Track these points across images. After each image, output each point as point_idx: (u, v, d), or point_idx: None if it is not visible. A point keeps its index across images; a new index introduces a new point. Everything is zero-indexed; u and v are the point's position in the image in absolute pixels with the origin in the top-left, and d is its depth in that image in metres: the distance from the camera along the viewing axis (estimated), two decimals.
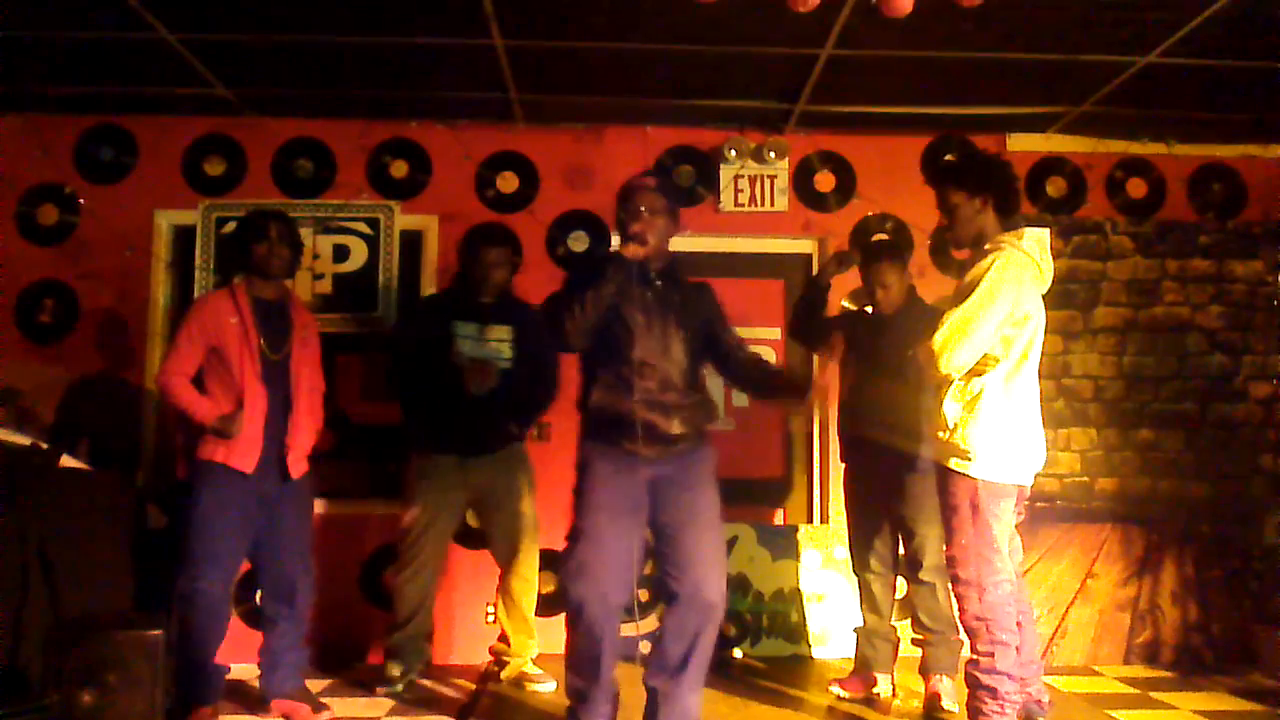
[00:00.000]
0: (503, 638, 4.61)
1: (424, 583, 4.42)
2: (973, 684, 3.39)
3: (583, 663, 3.42)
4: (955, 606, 3.54)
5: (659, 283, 3.53)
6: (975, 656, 3.40)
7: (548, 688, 4.41)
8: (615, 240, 3.73)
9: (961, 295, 3.36)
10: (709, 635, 3.40)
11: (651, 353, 3.45)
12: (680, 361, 3.49)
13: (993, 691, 3.34)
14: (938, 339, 3.32)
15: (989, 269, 3.34)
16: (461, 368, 4.33)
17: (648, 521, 3.48)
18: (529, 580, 4.53)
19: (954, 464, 3.42)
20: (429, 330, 4.43)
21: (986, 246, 3.45)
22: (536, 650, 4.58)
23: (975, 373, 3.39)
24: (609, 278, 3.37)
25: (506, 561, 4.50)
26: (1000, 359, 3.38)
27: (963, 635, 4.16)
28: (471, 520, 4.68)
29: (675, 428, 3.44)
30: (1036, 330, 3.44)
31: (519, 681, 4.49)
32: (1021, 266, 3.39)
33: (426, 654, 4.55)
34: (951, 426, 3.41)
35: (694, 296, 3.63)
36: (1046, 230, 3.53)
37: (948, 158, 3.72)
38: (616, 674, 3.49)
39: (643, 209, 3.48)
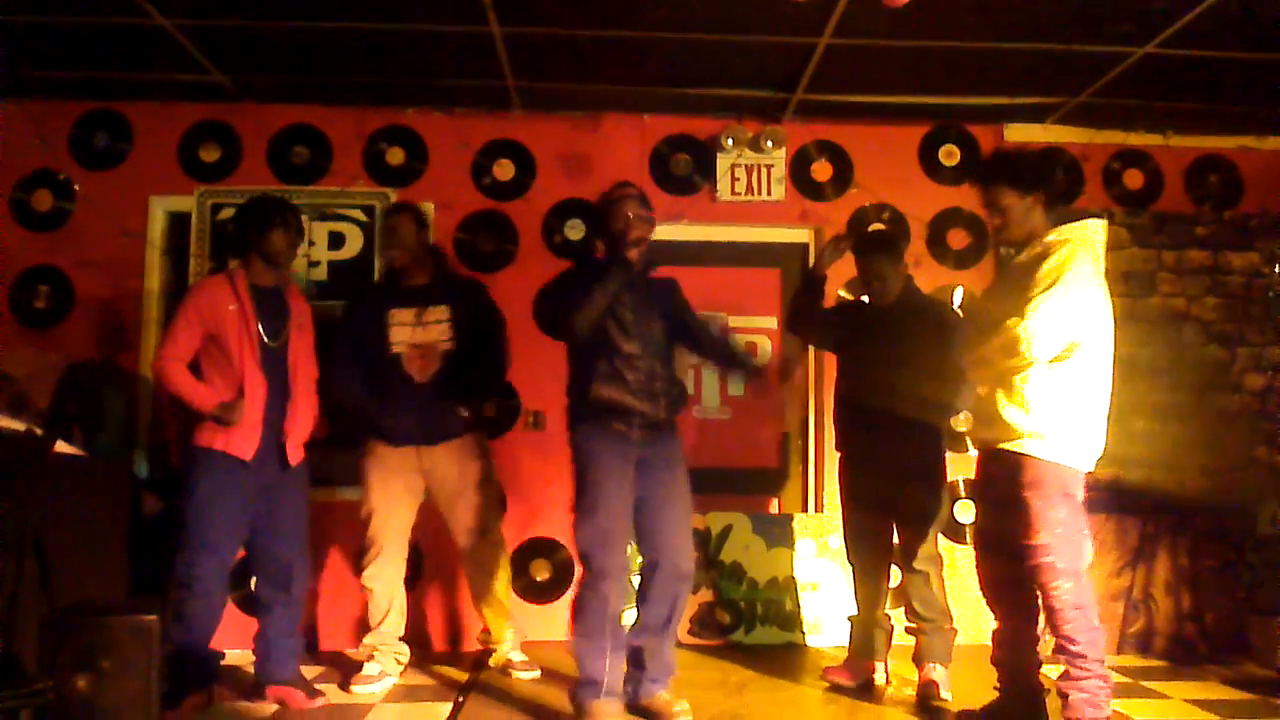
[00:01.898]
0: (485, 627, 4.59)
1: (391, 578, 4.36)
2: (1082, 674, 3.33)
3: (599, 626, 3.70)
4: (1043, 595, 3.41)
5: (641, 284, 3.89)
6: (1078, 648, 3.33)
7: (531, 675, 4.40)
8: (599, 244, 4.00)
9: (1042, 284, 3.34)
10: (684, 597, 3.89)
11: (641, 346, 3.82)
12: (662, 353, 3.90)
13: (1105, 679, 3.35)
14: (1025, 327, 3.30)
15: (1070, 259, 3.35)
16: (401, 356, 4.27)
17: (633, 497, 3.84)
18: (495, 567, 4.47)
19: (1045, 452, 3.37)
20: (366, 321, 4.32)
21: (1050, 238, 3.45)
22: (518, 635, 4.56)
23: (1059, 359, 3.37)
24: (614, 279, 3.75)
25: (468, 551, 4.43)
26: (1080, 345, 3.37)
27: (956, 624, 4.22)
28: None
29: (662, 413, 3.84)
30: (1107, 319, 3.44)
31: (504, 669, 4.48)
32: (1094, 259, 3.42)
33: (404, 654, 4.46)
34: (1041, 413, 3.37)
35: (665, 291, 4.02)
36: (1104, 221, 3.53)
37: (994, 154, 3.67)
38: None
39: (635, 215, 3.83)
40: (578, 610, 3.77)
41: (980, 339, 3.54)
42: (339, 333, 4.36)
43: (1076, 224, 3.49)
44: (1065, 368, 3.38)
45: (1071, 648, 3.35)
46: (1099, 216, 3.56)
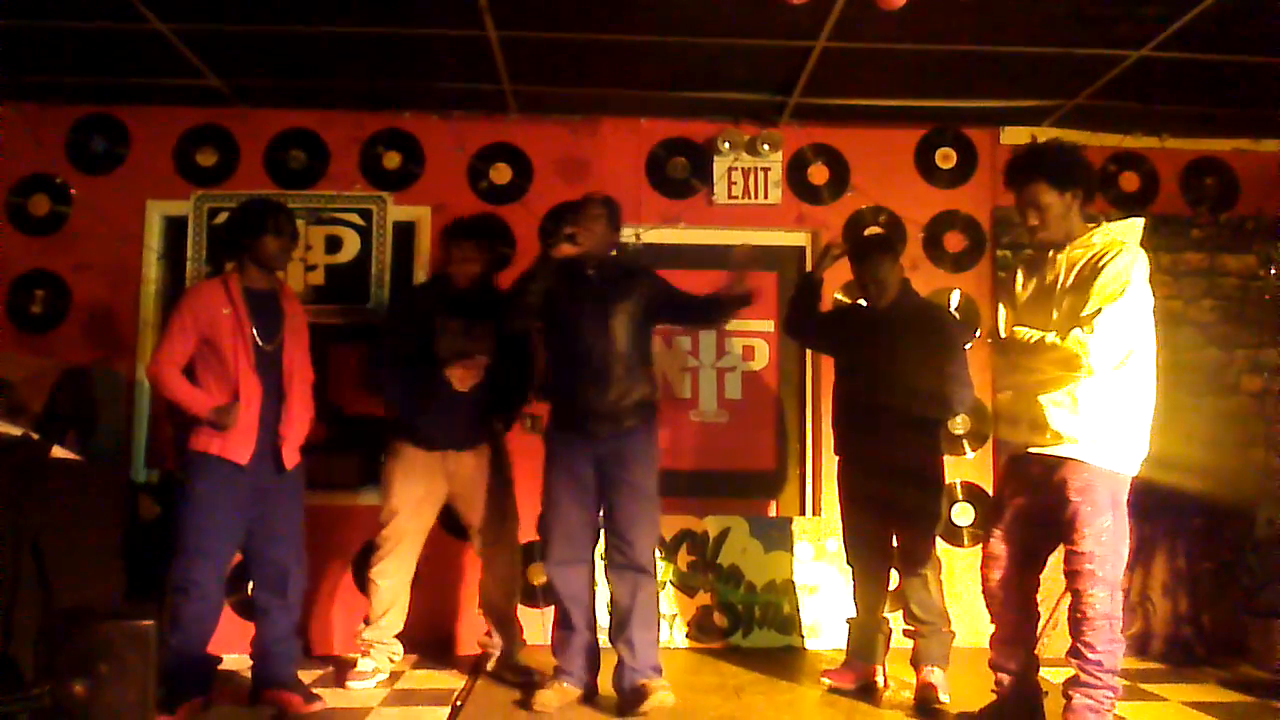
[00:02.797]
0: (489, 630, 4.62)
1: (400, 577, 4.43)
2: (1092, 683, 3.31)
3: (559, 614, 4.08)
4: (1075, 600, 3.37)
5: (595, 278, 4.04)
6: (1097, 656, 3.30)
7: (528, 678, 4.40)
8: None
9: (1105, 293, 3.26)
10: (647, 589, 4.01)
11: (588, 340, 3.97)
12: (620, 347, 3.99)
13: (1115, 690, 3.33)
14: (1088, 342, 3.23)
15: (1132, 266, 3.28)
16: (445, 363, 4.33)
17: (596, 493, 4.05)
18: (508, 574, 4.54)
19: (1098, 458, 3.32)
20: (413, 323, 4.40)
21: (1098, 239, 3.37)
22: (523, 643, 4.59)
23: (1117, 367, 3.31)
24: (538, 271, 3.94)
25: (486, 556, 4.52)
26: (1135, 352, 3.31)
27: (954, 627, 4.23)
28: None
29: (612, 406, 3.96)
30: (1152, 323, 3.39)
31: (503, 673, 4.49)
32: (1147, 263, 3.35)
33: (398, 653, 4.52)
34: (1095, 419, 3.32)
35: (634, 285, 4.10)
36: (1142, 221, 3.46)
37: (1027, 150, 3.54)
38: (594, 634, 4.11)
39: (583, 216, 4.03)
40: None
41: (1020, 349, 3.45)
42: (385, 330, 4.55)
43: (1125, 224, 3.41)
44: (1120, 374, 3.32)
45: (1089, 655, 3.33)
46: (1139, 216, 3.49)
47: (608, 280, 4.07)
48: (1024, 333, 3.46)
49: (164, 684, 3.58)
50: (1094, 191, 3.53)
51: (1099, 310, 3.25)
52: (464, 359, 4.36)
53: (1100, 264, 3.31)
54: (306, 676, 4.25)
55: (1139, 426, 3.38)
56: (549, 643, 4.19)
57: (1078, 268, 3.38)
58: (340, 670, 4.50)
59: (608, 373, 3.95)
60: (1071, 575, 3.38)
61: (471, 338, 4.38)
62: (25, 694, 2.75)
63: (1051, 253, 3.50)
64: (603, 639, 4.14)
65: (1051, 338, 3.34)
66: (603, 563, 4.09)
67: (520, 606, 4.72)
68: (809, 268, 5.49)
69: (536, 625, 4.85)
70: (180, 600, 3.81)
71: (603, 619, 4.17)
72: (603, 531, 4.08)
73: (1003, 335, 3.60)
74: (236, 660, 4.27)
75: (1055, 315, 3.40)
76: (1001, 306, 3.68)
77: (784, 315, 4.77)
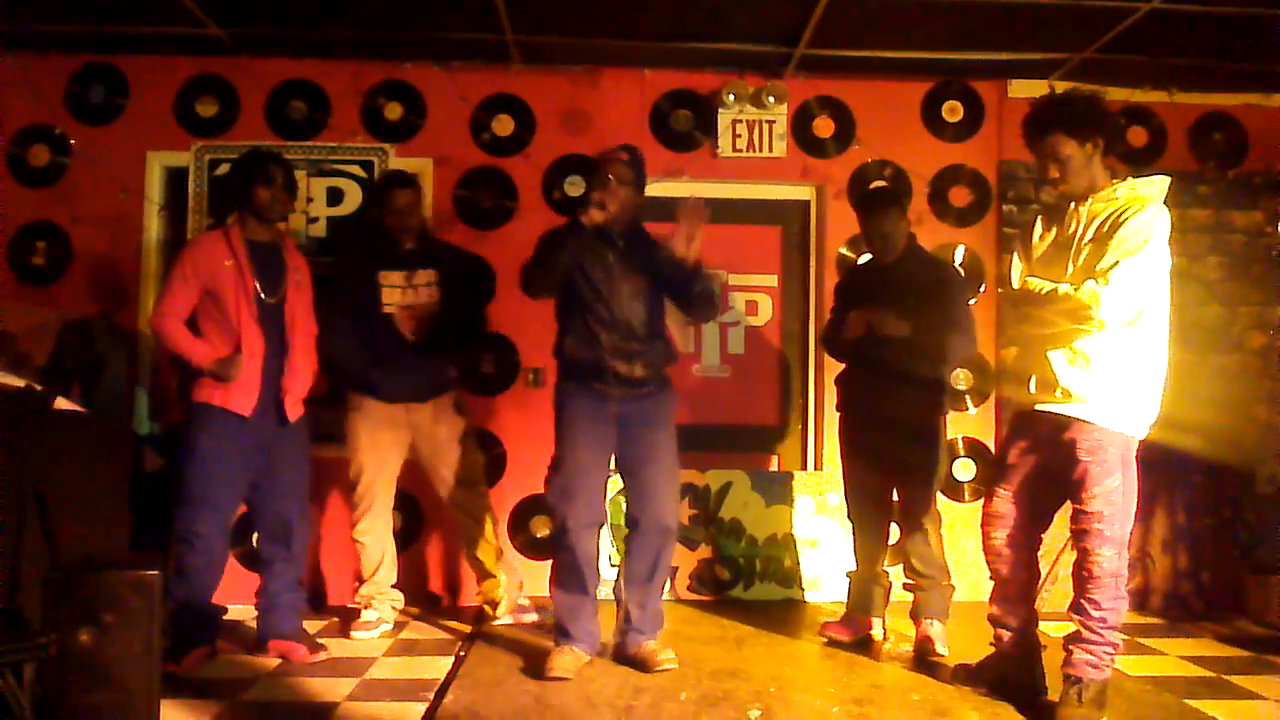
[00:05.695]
0: (480, 579, 4.68)
1: (382, 531, 4.51)
2: (1094, 639, 3.34)
3: (568, 577, 3.92)
4: (1082, 559, 3.38)
5: (621, 243, 3.92)
6: (1101, 613, 3.32)
7: (533, 618, 4.56)
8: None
9: (1123, 247, 3.22)
10: (667, 553, 3.99)
11: (614, 306, 3.90)
12: (640, 313, 3.94)
13: (1115, 646, 3.36)
14: (1100, 294, 3.19)
15: (1154, 223, 3.24)
16: (393, 316, 4.36)
17: (615, 456, 3.98)
18: (484, 514, 4.59)
19: (1108, 419, 3.31)
20: (357, 280, 4.40)
21: (1121, 194, 3.33)
22: (515, 580, 4.68)
23: (1128, 324, 3.28)
24: (567, 242, 3.80)
25: (457, 502, 4.55)
26: (1146, 310, 3.29)
27: (953, 581, 4.25)
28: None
29: (637, 371, 3.91)
30: (1167, 283, 3.36)
31: (510, 614, 4.59)
32: (1167, 219, 3.31)
33: (398, 600, 4.61)
34: (1107, 379, 3.30)
35: (653, 251, 3.97)
36: (1168, 179, 3.40)
37: (1044, 100, 3.48)
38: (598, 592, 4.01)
39: (610, 178, 3.86)
40: (553, 561, 4.00)
41: (1031, 300, 3.43)
42: (332, 290, 4.42)
43: (1150, 180, 3.36)
44: (1132, 333, 3.29)
45: (1093, 612, 3.34)
46: (1147, 171, 3.45)
47: (634, 247, 3.95)
48: (1036, 283, 3.43)
49: (169, 634, 3.61)
50: (1115, 141, 3.46)
51: (1116, 264, 3.21)
52: (408, 309, 4.38)
53: (1121, 219, 3.27)
54: (311, 627, 4.29)
55: (1150, 388, 3.36)
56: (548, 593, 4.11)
57: (1098, 221, 3.34)
58: (345, 621, 4.55)
59: (635, 340, 3.91)
60: (1079, 534, 3.38)
61: (414, 289, 4.40)
62: (31, 643, 2.77)
63: (1073, 205, 3.45)
64: (603, 592, 4.16)
65: (1065, 289, 3.31)
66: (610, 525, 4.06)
67: (520, 557, 4.77)
68: (813, 223, 5.49)
69: (541, 577, 4.87)
70: (184, 551, 3.84)
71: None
72: (625, 495, 4.03)
73: (1015, 286, 3.57)
74: (241, 611, 4.31)
75: (1072, 269, 3.37)
76: (1016, 257, 3.65)
77: (828, 350, 4.68)
